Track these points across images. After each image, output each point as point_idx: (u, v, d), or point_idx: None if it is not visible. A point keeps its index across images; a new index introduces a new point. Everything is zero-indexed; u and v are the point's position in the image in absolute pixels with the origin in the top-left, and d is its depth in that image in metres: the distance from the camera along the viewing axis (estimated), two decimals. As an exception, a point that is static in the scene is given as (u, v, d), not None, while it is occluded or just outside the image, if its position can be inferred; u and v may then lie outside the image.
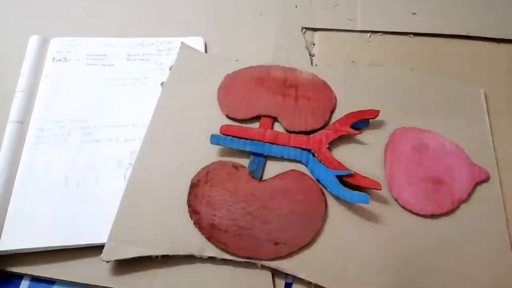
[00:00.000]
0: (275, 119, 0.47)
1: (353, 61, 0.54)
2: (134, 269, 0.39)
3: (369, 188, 0.41)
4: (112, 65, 0.53)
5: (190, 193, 0.41)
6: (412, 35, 0.56)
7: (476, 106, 0.49)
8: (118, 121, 0.48)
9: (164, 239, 0.39)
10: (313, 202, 0.41)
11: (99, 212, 0.42)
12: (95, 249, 0.40)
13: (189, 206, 0.41)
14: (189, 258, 0.39)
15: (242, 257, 0.39)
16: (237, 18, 0.59)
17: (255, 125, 0.47)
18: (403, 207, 0.42)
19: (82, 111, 0.48)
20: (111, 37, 0.55)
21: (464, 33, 0.55)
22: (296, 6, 0.59)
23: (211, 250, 0.39)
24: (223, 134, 0.45)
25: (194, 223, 0.40)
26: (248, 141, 0.44)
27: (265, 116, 0.47)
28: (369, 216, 0.41)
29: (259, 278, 0.39)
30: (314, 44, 0.56)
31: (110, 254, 0.39)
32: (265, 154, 0.44)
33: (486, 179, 0.44)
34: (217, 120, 0.46)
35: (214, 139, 0.44)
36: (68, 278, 0.39)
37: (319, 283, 0.38)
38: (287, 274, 0.39)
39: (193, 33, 0.56)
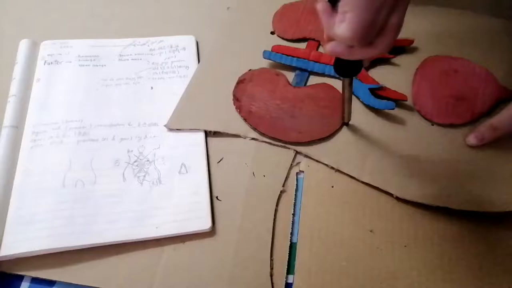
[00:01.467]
0: (319, 43, 0.54)
1: None
2: (134, 270, 0.39)
3: (396, 99, 0.48)
4: (105, 65, 0.52)
5: (236, 87, 0.50)
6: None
7: (505, 41, 0.53)
8: (113, 120, 0.48)
9: (218, 120, 0.48)
10: (336, 109, 0.47)
11: (98, 212, 0.41)
12: (95, 250, 0.40)
13: (233, 95, 0.50)
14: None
15: (272, 138, 0.47)
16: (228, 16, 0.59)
17: (302, 45, 0.55)
18: (424, 116, 0.48)
19: (76, 112, 0.48)
20: (102, 38, 0.55)
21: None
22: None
23: (253, 133, 0.47)
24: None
25: (235, 108, 0.49)
26: (295, 58, 0.52)
27: (311, 39, 0.55)
28: (392, 122, 0.48)
29: (258, 277, 0.39)
30: None
31: (174, 124, 0.47)
32: (309, 70, 0.52)
33: (510, 96, 0.48)
34: (269, 41, 0.55)
35: (266, 54, 0.52)
36: (68, 280, 0.39)
37: (340, 169, 0.44)
38: (287, 274, 0.39)
39: (184, 32, 0.56)
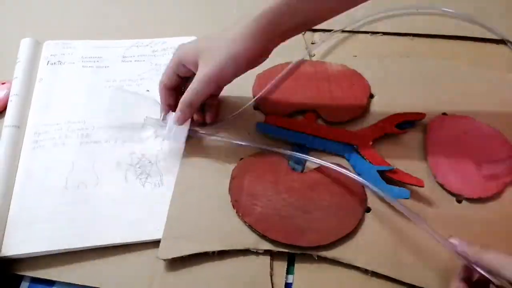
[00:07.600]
0: (316, 114, 0.47)
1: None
2: (134, 270, 0.39)
3: (411, 185, 0.42)
4: (108, 66, 0.52)
5: (231, 183, 0.42)
6: (412, 37, 0.55)
7: (505, 91, 0.50)
8: (115, 122, 0.47)
9: (219, 234, 0.40)
10: (352, 193, 0.42)
11: (101, 214, 0.41)
12: (95, 250, 0.40)
13: (230, 196, 0.42)
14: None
15: (288, 246, 0.39)
16: (233, 18, 0.59)
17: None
18: (449, 191, 0.43)
19: (78, 113, 0.48)
20: (105, 39, 0.55)
21: (464, 34, 0.55)
22: None
23: (265, 244, 0.40)
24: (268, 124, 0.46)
25: (236, 212, 0.41)
26: (291, 131, 0.45)
27: (305, 110, 0.48)
28: (417, 203, 0.42)
29: (257, 277, 0.39)
30: (313, 43, 0.55)
31: (167, 252, 0.39)
32: (308, 146, 0.45)
33: None
34: (258, 118, 0.47)
35: (260, 127, 0.46)
36: (68, 280, 0.39)
37: (377, 270, 0.38)
38: (287, 274, 0.39)
39: (187, 33, 0.55)
